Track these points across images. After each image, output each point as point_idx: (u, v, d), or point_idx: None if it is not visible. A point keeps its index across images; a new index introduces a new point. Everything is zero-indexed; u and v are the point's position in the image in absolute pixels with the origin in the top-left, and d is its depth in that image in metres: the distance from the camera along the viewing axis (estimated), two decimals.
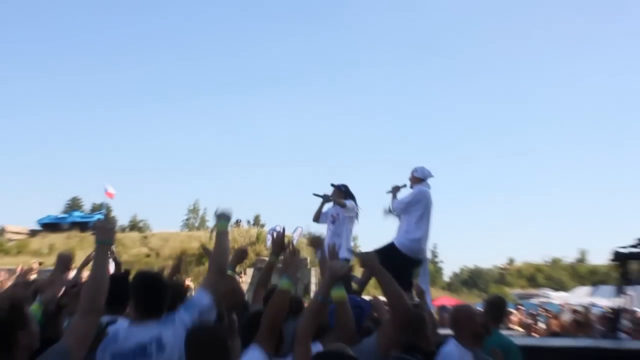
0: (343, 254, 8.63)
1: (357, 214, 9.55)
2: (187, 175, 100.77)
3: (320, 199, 9.63)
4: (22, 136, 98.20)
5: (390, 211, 9.00)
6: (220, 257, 4.44)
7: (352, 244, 9.52)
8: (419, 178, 8.85)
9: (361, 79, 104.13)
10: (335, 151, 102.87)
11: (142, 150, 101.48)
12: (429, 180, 8.90)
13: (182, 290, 4.52)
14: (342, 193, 9.48)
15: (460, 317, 5.23)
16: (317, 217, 9.74)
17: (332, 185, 9.65)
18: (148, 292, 3.99)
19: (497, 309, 6.31)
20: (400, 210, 8.73)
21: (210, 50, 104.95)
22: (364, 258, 4.37)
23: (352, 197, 9.53)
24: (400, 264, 8.18)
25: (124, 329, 3.89)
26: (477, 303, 36.65)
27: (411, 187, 8.92)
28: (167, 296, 4.06)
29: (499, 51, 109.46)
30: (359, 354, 3.74)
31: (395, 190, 8.99)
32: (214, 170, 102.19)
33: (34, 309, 4.18)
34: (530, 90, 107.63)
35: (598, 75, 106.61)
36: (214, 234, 4.60)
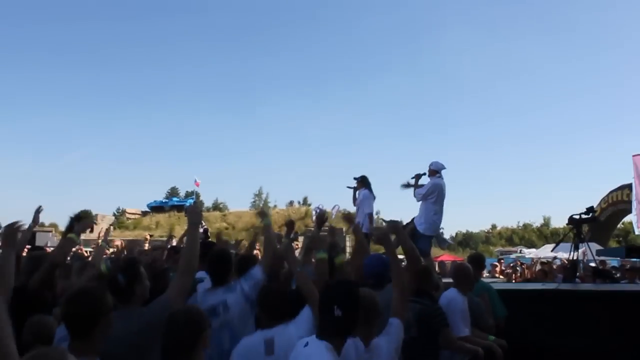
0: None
1: (373, 198, 9.55)
2: (253, 165, 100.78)
3: (352, 189, 9.78)
4: (134, 134, 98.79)
5: (406, 186, 8.98)
6: (271, 244, 4.49)
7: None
8: (434, 171, 8.71)
9: (385, 84, 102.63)
10: (364, 144, 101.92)
11: (219, 146, 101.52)
12: (443, 172, 8.79)
13: (249, 262, 4.51)
14: (360, 183, 9.58)
15: (460, 272, 5.36)
16: (354, 202, 9.79)
17: (354, 178, 9.75)
18: (216, 267, 4.07)
19: (478, 263, 6.33)
20: (420, 198, 8.66)
21: (284, 48, 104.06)
22: (392, 224, 4.37)
23: (368, 186, 9.57)
24: (418, 238, 8.33)
25: (201, 293, 4.00)
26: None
27: (429, 176, 8.76)
28: (230, 269, 4.10)
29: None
30: (386, 296, 3.81)
31: (417, 177, 8.89)
32: (273, 160, 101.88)
33: None
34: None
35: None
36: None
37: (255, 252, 6.87)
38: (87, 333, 2.69)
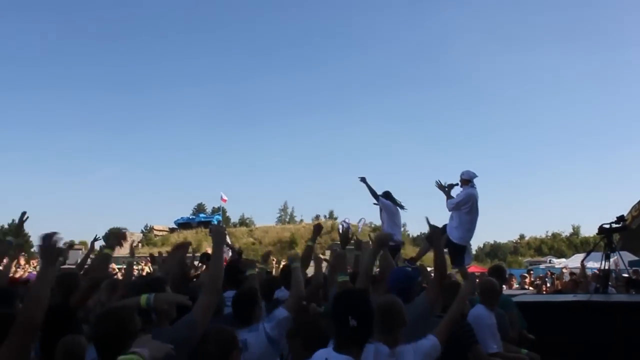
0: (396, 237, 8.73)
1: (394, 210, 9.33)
2: (278, 180, 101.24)
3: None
4: (160, 152, 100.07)
5: (441, 186, 8.81)
6: (299, 286, 4.30)
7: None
8: (466, 180, 8.60)
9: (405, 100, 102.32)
10: (390, 156, 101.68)
11: (244, 162, 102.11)
12: (475, 180, 8.68)
13: (273, 287, 4.49)
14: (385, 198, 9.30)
15: (486, 287, 5.29)
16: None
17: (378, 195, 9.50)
18: (242, 308, 4.03)
19: (501, 274, 6.24)
20: (452, 208, 8.55)
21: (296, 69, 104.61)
22: (434, 229, 4.32)
23: (390, 199, 9.35)
24: (453, 248, 8.47)
25: None
26: None
27: (461, 186, 8.68)
28: (254, 311, 4.01)
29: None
30: (414, 309, 3.77)
31: (450, 188, 8.76)
32: (298, 174, 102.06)
33: None
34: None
35: None
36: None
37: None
38: (116, 354, 2.71)
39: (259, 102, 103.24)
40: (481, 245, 67.77)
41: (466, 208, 8.45)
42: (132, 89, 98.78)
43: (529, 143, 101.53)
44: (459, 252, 8.59)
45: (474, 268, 35.28)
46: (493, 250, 62.99)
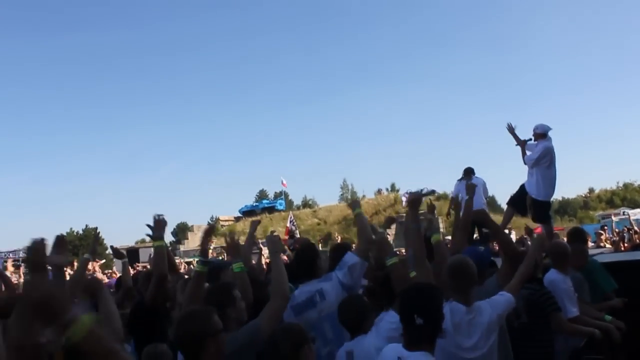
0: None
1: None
2: (335, 156, 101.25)
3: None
4: (217, 142, 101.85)
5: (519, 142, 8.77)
6: (365, 230, 4.37)
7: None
8: (541, 134, 8.40)
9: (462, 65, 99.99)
10: (449, 124, 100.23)
11: (301, 143, 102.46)
12: (550, 133, 8.47)
13: (341, 250, 4.47)
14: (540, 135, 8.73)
15: (556, 251, 5.12)
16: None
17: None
18: (302, 260, 4.19)
19: (578, 237, 6.01)
20: (532, 164, 8.40)
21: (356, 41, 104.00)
22: (478, 213, 4.26)
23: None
24: (538, 206, 8.46)
25: (298, 289, 4.06)
26: (568, 227, 35.22)
27: (535, 141, 8.53)
28: (315, 259, 4.15)
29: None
30: (484, 293, 3.70)
31: (523, 143, 8.68)
32: (356, 150, 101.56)
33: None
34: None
35: None
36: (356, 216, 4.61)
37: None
38: (197, 354, 2.77)
39: (308, 79, 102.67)
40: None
41: (546, 162, 8.31)
42: (185, 77, 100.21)
43: (591, 92, 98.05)
44: (546, 209, 8.55)
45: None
46: (562, 207, 60.81)
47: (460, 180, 10.55)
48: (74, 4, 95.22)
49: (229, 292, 3.39)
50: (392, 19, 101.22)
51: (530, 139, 8.59)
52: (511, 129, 8.70)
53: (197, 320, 2.84)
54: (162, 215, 4.32)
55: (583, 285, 5.17)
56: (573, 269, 5.22)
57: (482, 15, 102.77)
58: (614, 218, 29.70)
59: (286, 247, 11.66)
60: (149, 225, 4.33)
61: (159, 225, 4.35)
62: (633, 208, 40.23)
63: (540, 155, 8.25)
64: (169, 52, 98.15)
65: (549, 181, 8.41)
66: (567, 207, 61.11)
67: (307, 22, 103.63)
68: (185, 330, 2.83)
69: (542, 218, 8.63)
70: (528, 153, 8.54)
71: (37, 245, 2.71)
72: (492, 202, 58.42)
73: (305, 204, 67.11)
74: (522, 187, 8.75)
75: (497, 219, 9.87)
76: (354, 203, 4.81)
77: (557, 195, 73.09)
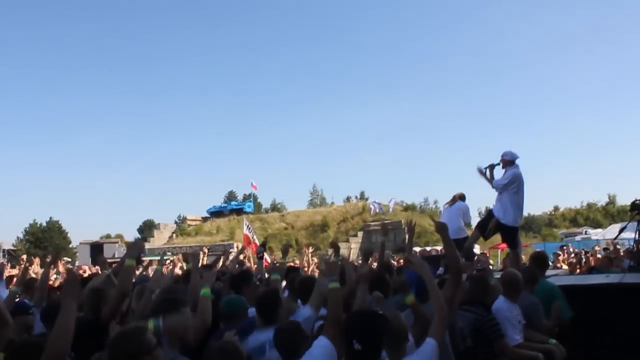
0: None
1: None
2: (307, 162, 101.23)
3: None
4: (189, 142, 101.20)
5: (482, 173, 8.85)
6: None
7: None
8: (510, 161, 8.55)
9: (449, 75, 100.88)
10: (419, 135, 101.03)
11: (273, 147, 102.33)
12: (517, 161, 8.61)
13: (309, 285, 4.52)
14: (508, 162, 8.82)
15: (507, 280, 5.23)
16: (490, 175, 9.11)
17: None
18: (264, 307, 4.10)
19: (541, 262, 6.21)
20: (501, 189, 8.52)
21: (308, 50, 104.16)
22: (439, 225, 4.28)
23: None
24: (506, 231, 8.59)
25: (252, 335, 4.00)
26: (534, 243, 35.90)
27: (503, 167, 8.65)
28: (277, 309, 4.09)
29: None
30: (428, 309, 3.75)
31: (491, 168, 8.79)
32: (327, 156, 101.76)
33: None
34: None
35: None
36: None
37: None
38: None
39: (281, 83, 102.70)
40: None
41: (514, 188, 8.46)
42: (156, 78, 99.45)
43: (558, 111, 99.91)
44: (514, 233, 8.67)
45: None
46: (527, 223, 61.56)
47: (446, 205, 10.44)
48: None
49: (175, 308, 3.42)
50: (368, 30, 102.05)
51: (498, 164, 8.73)
52: (481, 172, 8.89)
53: (130, 339, 2.85)
54: (140, 239, 4.51)
55: (538, 308, 5.30)
56: (529, 293, 5.40)
57: (453, 27, 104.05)
58: (576, 238, 30.39)
59: (255, 256, 11.61)
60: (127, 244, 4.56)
61: (136, 246, 4.82)
62: (595, 228, 41.25)
63: (509, 181, 8.42)
64: (142, 45, 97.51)
65: (517, 206, 8.54)
66: (532, 224, 62.00)
67: (285, 25, 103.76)
68: (120, 351, 2.81)
69: (511, 243, 8.79)
70: (496, 178, 8.73)
71: None
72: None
73: (274, 208, 67.08)
74: (490, 211, 8.95)
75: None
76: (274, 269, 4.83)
77: (524, 211, 74.05)
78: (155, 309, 3.47)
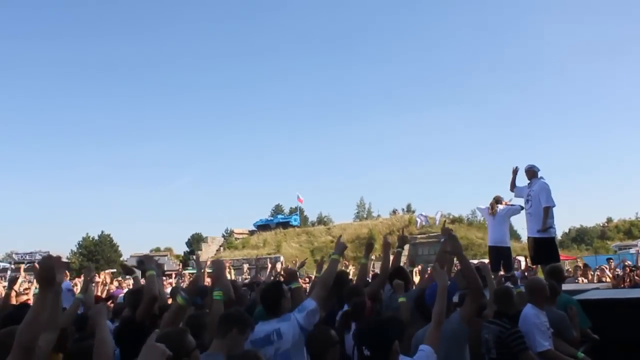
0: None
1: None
2: (354, 175, 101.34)
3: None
4: (237, 156, 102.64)
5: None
6: (329, 277, 4.56)
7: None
8: (535, 172, 8.80)
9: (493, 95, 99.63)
10: (466, 148, 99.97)
11: (319, 160, 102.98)
12: (540, 173, 8.87)
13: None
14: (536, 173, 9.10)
15: (532, 286, 5.29)
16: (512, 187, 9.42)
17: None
18: (267, 298, 4.27)
19: (557, 275, 6.22)
20: (551, 203, 8.55)
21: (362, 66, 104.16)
22: (454, 244, 4.40)
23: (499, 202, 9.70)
24: (543, 245, 8.52)
25: (257, 325, 4.11)
26: (584, 256, 35.00)
27: (530, 178, 8.88)
28: (280, 300, 4.23)
29: None
30: (448, 324, 3.89)
31: (515, 172, 9.07)
32: (374, 169, 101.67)
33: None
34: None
35: None
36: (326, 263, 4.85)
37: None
38: None
39: (328, 96, 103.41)
40: (566, 231, 65.33)
41: (538, 200, 8.57)
42: (205, 96, 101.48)
43: (612, 120, 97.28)
44: (551, 245, 8.62)
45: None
46: (579, 235, 60.24)
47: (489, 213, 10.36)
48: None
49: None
50: (413, 46, 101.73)
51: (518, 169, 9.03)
52: (515, 172, 8.97)
53: (171, 341, 3.01)
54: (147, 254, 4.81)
55: (564, 321, 5.30)
56: (553, 306, 5.42)
57: (498, 46, 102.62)
58: (631, 250, 29.43)
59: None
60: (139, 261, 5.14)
61: (148, 260, 5.07)
62: None
63: (549, 194, 8.52)
64: (188, 66, 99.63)
65: (551, 216, 8.56)
66: (584, 236, 60.42)
67: (330, 44, 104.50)
68: None
69: (553, 256, 8.54)
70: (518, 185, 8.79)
71: (46, 262, 2.82)
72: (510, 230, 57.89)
73: (320, 221, 67.18)
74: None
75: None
76: (338, 246, 4.95)
77: (575, 223, 72.78)
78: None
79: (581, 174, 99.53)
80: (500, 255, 9.30)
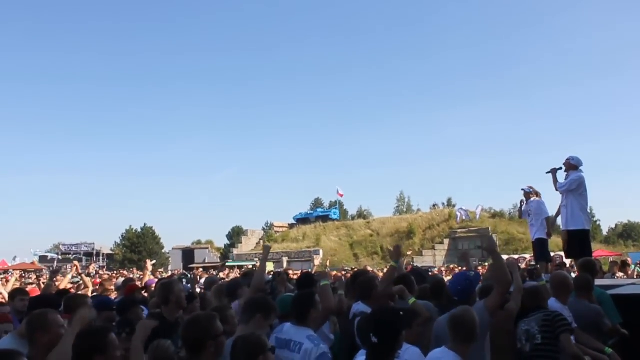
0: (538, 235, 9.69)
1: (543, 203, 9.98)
2: (394, 169, 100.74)
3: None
4: (277, 149, 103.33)
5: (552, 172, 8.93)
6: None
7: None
8: (575, 165, 8.66)
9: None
10: (506, 143, 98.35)
11: (360, 154, 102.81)
12: (582, 167, 8.73)
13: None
14: (530, 194, 10.05)
15: (557, 282, 5.31)
16: (520, 215, 10.81)
17: (523, 189, 10.18)
18: (300, 308, 4.02)
19: (591, 269, 6.16)
20: (566, 189, 8.58)
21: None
22: (489, 242, 4.52)
23: (538, 194, 10.03)
24: (581, 238, 8.50)
25: (288, 324, 4.02)
26: (630, 252, 34.14)
27: (566, 171, 8.73)
28: (310, 312, 4.02)
29: None
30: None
31: (554, 172, 8.85)
32: (415, 163, 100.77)
33: None
34: None
35: None
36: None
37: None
38: (198, 354, 3.23)
39: (367, 90, 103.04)
40: (613, 226, 63.71)
41: (581, 190, 8.54)
42: (246, 91, 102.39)
43: None
44: (586, 237, 8.62)
45: (602, 252, 33.55)
46: (626, 231, 58.47)
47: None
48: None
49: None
50: (458, 40, 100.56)
51: (561, 168, 8.75)
52: (554, 172, 8.93)
53: (200, 324, 3.28)
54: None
55: (600, 313, 5.27)
56: (587, 301, 5.41)
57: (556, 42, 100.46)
58: None
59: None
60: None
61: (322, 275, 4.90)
62: None
63: (576, 184, 8.48)
64: (233, 59, 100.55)
65: (584, 210, 8.56)
66: (632, 232, 58.80)
67: (372, 39, 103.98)
68: (190, 333, 3.27)
69: (585, 250, 8.49)
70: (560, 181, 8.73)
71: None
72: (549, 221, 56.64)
73: (360, 215, 67.21)
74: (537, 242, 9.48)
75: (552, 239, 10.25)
76: (320, 275, 4.94)
77: (623, 218, 70.88)
78: None
79: (630, 168, 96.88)
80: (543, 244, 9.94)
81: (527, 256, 32.16)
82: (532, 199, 9.98)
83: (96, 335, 3.02)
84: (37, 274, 26.33)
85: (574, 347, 4.60)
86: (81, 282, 9.95)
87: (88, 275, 13.52)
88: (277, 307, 4.09)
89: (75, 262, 10.54)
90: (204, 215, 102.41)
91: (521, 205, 10.12)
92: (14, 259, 48.37)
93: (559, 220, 9.10)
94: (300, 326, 3.91)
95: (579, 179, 8.48)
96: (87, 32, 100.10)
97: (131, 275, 20.06)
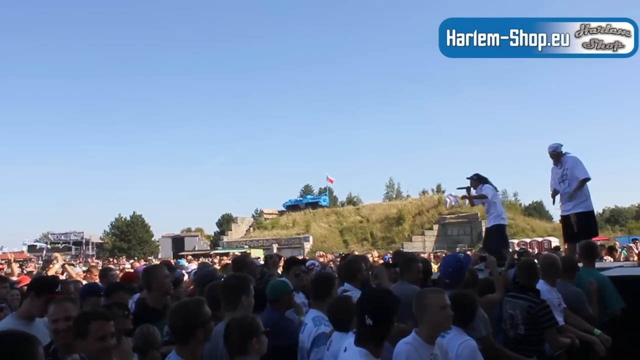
0: (493, 221, 8.98)
1: (495, 189, 9.26)
2: (383, 155, 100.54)
3: (464, 190, 9.56)
4: (267, 137, 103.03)
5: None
6: None
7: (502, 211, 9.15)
8: (561, 153, 8.55)
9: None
10: (495, 129, 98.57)
11: (349, 141, 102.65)
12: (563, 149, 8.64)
13: None
14: (476, 181, 9.23)
15: (545, 263, 5.29)
16: (472, 204, 10.33)
17: (467, 178, 9.35)
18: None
19: (589, 251, 6.15)
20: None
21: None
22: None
23: (485, 181, 9.24)
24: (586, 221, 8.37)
25: (336, 336, 3.72)
26: (617, 237, 34.42)
27: (555, 162, 8.66)
28: (331, 292, 4.18)
29: None
30: None
31: (468, 190, 9.23)
32: (404, 149, 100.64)
33: None
34: None
35: None
36: None
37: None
38: (186, 340, 3.16)
39: (357, 77, 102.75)
40: (600, 211, 64.06)
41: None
42: (236, 77, 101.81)
43: None
44: (593, 219, 8.63)
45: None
46: (613, 216, 58.91)
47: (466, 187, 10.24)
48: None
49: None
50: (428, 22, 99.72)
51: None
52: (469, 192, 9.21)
53: (188, 310, 3.21)
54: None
55: (581, 298, 5.30)
56: (571, 284, 5.43)
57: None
58: None
59: None
60: None
61: None
62: None
63: (579, 166, 8.40)
64: (222, 49, 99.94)
65: (587, 191, 8.44)
66: (618, 217, 59.26)
67: (361, 27, 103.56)
68: (178, 319, 3.19)
69: (592, 231, 8.50)
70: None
71: None
72: (539, 207, 57.40)
73: (350, 201, 67.22)
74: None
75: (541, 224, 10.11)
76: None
77: (610, 203, 71.41)
78: None
79: (617, 154, 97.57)
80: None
81: (515, 241, 32.49)
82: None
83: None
84: (21, 263, 25.84)
85: (559, 340, 4.64)
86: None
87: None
88: (252, 279, 4.03)
89: (56, 254, 10.37)
90: (193, 203, 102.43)
91: (468, 193, 9.37)
92: (1, 249, 48.00)
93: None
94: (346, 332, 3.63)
95: (579, 160, 8.45)
96: (75, 22, 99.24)
97: (119, 265, 19.77)
